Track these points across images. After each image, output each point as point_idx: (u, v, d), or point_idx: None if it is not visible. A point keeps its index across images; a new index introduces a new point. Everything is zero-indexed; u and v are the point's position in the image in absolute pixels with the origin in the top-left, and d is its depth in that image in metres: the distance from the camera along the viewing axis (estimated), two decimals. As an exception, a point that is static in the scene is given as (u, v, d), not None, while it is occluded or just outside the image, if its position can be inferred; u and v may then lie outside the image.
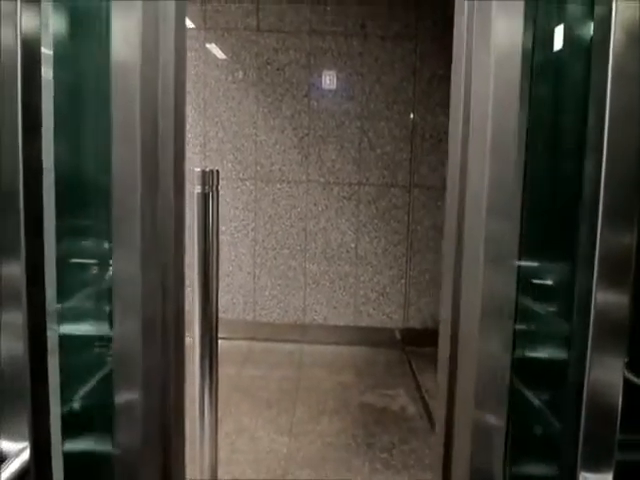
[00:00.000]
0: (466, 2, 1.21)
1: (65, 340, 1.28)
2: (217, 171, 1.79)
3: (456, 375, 1.22)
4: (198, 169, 1.77)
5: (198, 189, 1.76)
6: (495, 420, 1.20)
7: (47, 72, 1.22)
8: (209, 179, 1.76)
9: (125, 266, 1.17)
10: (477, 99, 1.18)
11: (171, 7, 1.09)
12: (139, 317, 1.17)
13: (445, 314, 1.32)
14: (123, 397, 1.20)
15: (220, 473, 1.92)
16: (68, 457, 1.29)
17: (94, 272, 1.48)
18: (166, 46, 1.10)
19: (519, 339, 1.47)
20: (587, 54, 1.14)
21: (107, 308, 1.48)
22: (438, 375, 1.28)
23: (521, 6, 1.12)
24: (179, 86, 1.15)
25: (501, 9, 1.13)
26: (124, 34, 1.05)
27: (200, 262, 1.79)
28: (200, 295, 1.80)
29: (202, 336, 1.82)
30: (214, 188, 1.77)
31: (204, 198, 1.75)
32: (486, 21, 1.15)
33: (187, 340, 1.38)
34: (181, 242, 1.24)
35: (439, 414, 1.31)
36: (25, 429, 1.13)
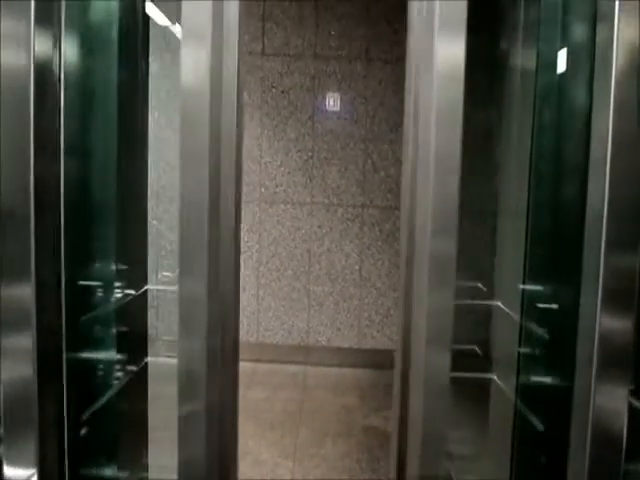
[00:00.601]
0: (414, 25, 1.24)
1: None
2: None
3: (408, 391, 1.23)
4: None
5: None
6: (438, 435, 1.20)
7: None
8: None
9: (191, 294, 1.19)
10: (424, 121, 1.19)
11: (234, 35, 1.13)
12: (204, 343, 1.19)
13: (399, 334, 1.34)
14: (187, 422, 1.22)
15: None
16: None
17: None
18: (229, 73, 1.14)
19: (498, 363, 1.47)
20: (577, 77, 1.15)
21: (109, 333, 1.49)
22: (393, 389, 1.29)
23: (463, 28, 1.13)
24: (239, 111, 1.19)
25: (443, 31, 1.15)
26: (194, 65, 1.09)
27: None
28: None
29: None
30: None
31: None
32: (429, 44, 1.17)
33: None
34: (238, 271, 1.26)
35: (393, 427, 1.32)
36: (32, 456, 1.13)
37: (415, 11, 1.26)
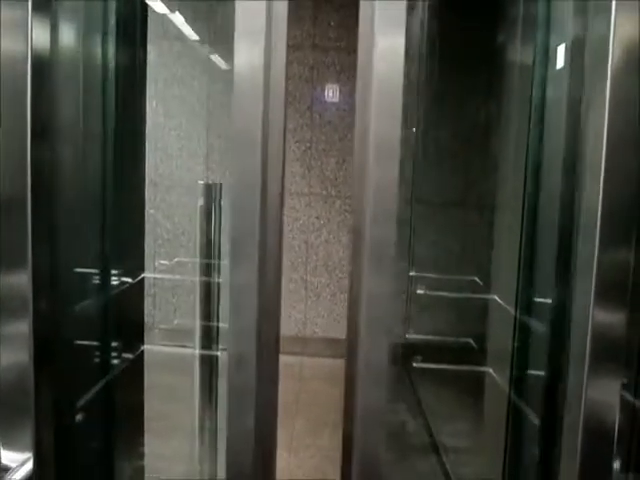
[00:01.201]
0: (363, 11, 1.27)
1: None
2: (220, 184, 1.80)
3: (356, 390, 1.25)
4: (201, 182, 1.78)
5: (201, 202, 1.77)
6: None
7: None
8: (212, 192, 1.77)
9: (242, 286, 1.20)
10: (367, 107, 1.20)
11: (282, 31, 1.18)
12: (254, 336, 1.21)
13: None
14: (236, 415, 1.25)
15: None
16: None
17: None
18: (277, 64, 1.17)
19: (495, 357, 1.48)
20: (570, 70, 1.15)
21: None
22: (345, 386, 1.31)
23: (403, 17, 1.16)
24: (286, 102, 1.21)
25: (383, 20, 1.19)
26: (249, 60, 1.15)
27: (202, 274, 1.80)
28: (201, 307, 1.80)
29: (203, 348, 1.82)
30: (217, 201, 1.78)
31: (207, 211, 1.76)
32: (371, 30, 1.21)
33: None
34: (280, 263, 1.27)
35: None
36: (28, 440, 1.15)
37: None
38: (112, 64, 1.50)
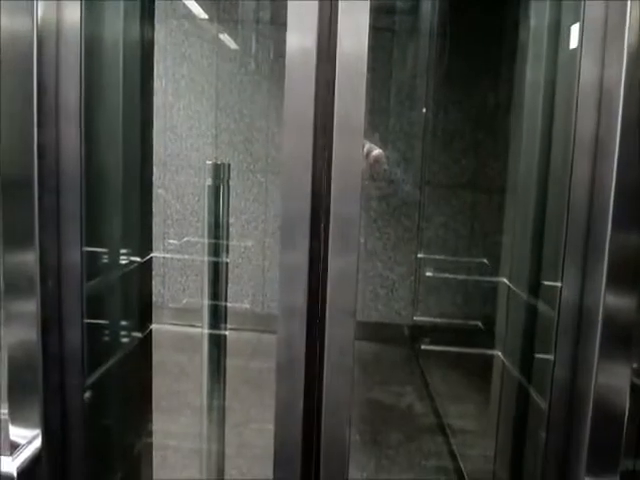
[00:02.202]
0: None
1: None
2: (229, 164, 1.80)
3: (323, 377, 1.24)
4: (210, 162, 1.77)
5: (209, 182, 1.77)
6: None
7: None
8: (221, 172, 1.77)
9: (291, 267, 1.18)
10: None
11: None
12: (304, 318, 1.20)
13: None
14: (284, 391, 1.23)
15: (227, 467, 1.93)
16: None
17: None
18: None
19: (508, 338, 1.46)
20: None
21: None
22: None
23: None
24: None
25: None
26: (301, 32, 1.16)
27: (210, 254, 1.80)
28: (209, 286, 1.80)
29: (211, 327, 1.83)
30: (225, 181, 1.78)
31: (215, 191, 1.76)
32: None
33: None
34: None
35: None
36: (37, 416, 1.16)
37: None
38: (119, 42, 1.48)
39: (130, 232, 1.62)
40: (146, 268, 1.73)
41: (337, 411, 1.21)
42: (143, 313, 1.74)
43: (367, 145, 1.76)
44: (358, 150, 1.15)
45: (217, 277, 1.82)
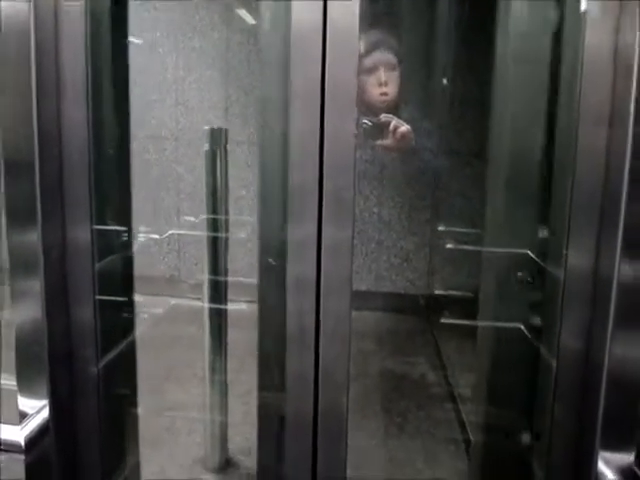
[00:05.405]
0: None
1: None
2: (226, 130, 1.78)
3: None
4: (207, 127, 1.76)
5: (206, 147, 1.75)
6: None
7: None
8: (217, 137, 1.75)
9: (301, 238, 1.19)
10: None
11: None
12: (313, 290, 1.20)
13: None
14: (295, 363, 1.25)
15: (230, 433, 1.96)
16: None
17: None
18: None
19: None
20: None
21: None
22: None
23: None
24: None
25: None
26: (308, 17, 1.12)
27: (209, 222, 1.79)
28: (209, 256, 1.81)
29: (211, 298, 1.84)
30: (222, 146, 1.76)
31: (212, 156, 1.74)
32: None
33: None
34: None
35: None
36: (45, 387, 1.20)
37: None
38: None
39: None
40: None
41: (334, 379, 1.22)
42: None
43: (394, 121, 1.74)
44: (351, 122, 1.13)
45: (216, 246, 1.82)
